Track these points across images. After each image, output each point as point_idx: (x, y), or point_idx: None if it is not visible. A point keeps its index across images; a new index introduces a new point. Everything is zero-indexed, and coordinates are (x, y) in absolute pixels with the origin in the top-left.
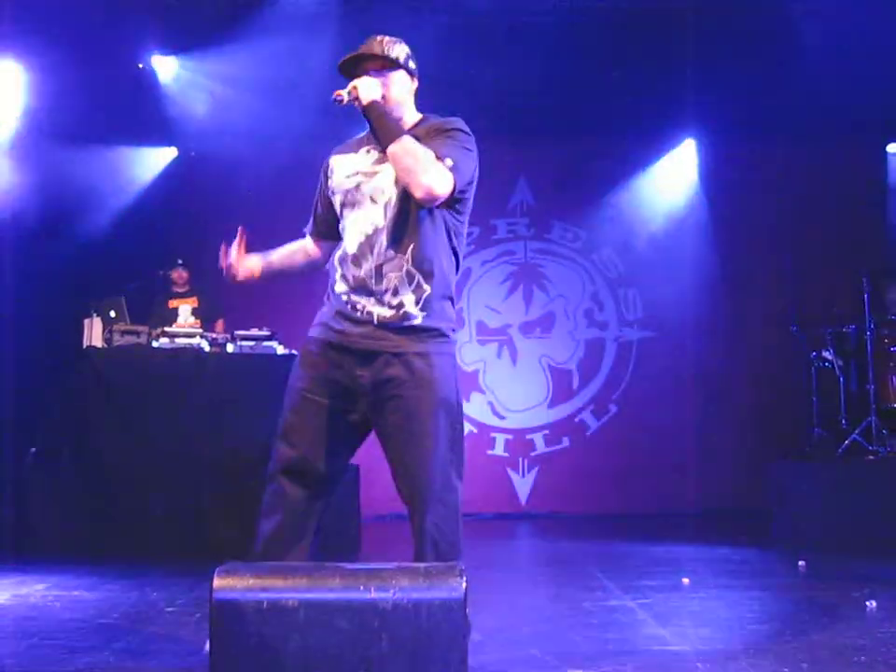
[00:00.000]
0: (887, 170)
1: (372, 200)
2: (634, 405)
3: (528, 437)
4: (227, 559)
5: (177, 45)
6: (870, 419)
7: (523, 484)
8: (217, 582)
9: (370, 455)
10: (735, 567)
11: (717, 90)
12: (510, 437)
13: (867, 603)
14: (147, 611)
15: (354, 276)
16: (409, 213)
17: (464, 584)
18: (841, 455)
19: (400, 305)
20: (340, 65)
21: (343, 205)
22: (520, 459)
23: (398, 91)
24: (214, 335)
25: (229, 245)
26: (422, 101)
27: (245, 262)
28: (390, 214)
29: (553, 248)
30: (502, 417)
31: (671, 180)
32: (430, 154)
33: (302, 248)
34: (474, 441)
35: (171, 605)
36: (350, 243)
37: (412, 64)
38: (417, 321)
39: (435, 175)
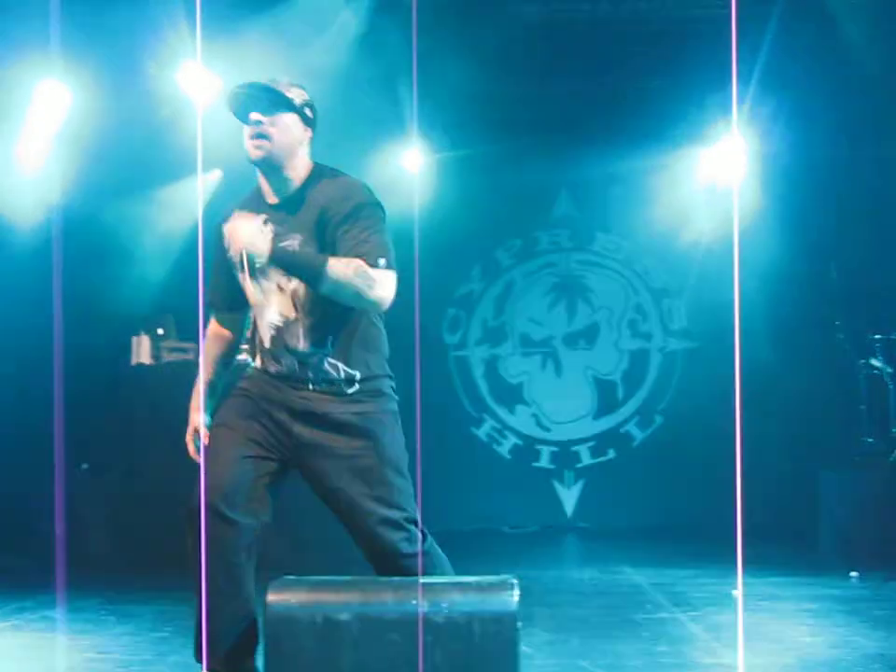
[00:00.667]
0: None
1: (279, 287)
2: (680, 416)
3: (573, 449)
4: (278, 574)
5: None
6: None
7: (568, 496)
8: (270, 597)
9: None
10: (786, 579)
11: (764, 91)
12: (555, 449)
13: None
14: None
15: (276, 369)
16: (321, 302)
17: (516, 597)
18: (892, 463)
19: (332, 385)
20: (228, 100)
21: (245, 287)
22: (565, 471)
23: (285, 136)
24: None
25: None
26: (462, 116)
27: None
28: (301, 306)
29: (595, 259)
30: (547, 429)
31: (714, 188)
32: (360, 268)
33: (222, 343)
34: (519, 453)
35: None
36: (263, 334)
37: (308, 112)
38: (355, 389)
39: (379, 290)
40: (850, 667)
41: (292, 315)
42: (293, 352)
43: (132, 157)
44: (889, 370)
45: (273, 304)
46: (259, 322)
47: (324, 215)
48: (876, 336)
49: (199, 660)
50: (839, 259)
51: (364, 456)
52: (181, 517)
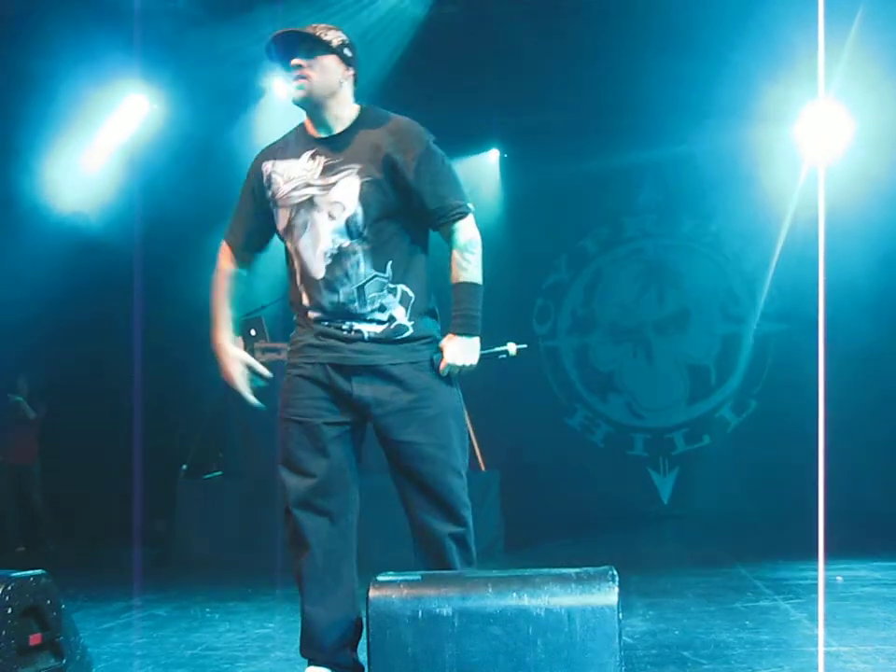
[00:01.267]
0: None
1: (330, 216)
2: (775, 399)
3: (668, 435)
4: (377, 570)
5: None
6: None
7: (664, 484)
8: (372, 593)
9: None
10: (891, 564)
11: (859, 63)
12: (648, 436)
13: None
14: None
15: (331, 302)
16: (379, 228)
17: (616, 588)
18: None
19: (391, 319)
20: (267, 48)
21: (291, 222)
22: (660, 458)
23: (326, 76)
24: None
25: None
26: (544, 106)
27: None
28: (358, 232)
29: (683, 243)
30: (640, 417)
31: (803, 167)
32: (470, 244)
33: (234, 281)
34: (613, 441)
35: None
36: (314, 266)
37: (347, 52)
38: (409, 333)
39: (476, 236)
40: None
41: (347, 241)
42: (353, 277)
43: (214, 159)
44: None
45: (327, 233)
46: (308, 256)
47: (386, 150)
48: None
49: (304, 655)
50: None
51: (425, 407)
52: (280, 515)
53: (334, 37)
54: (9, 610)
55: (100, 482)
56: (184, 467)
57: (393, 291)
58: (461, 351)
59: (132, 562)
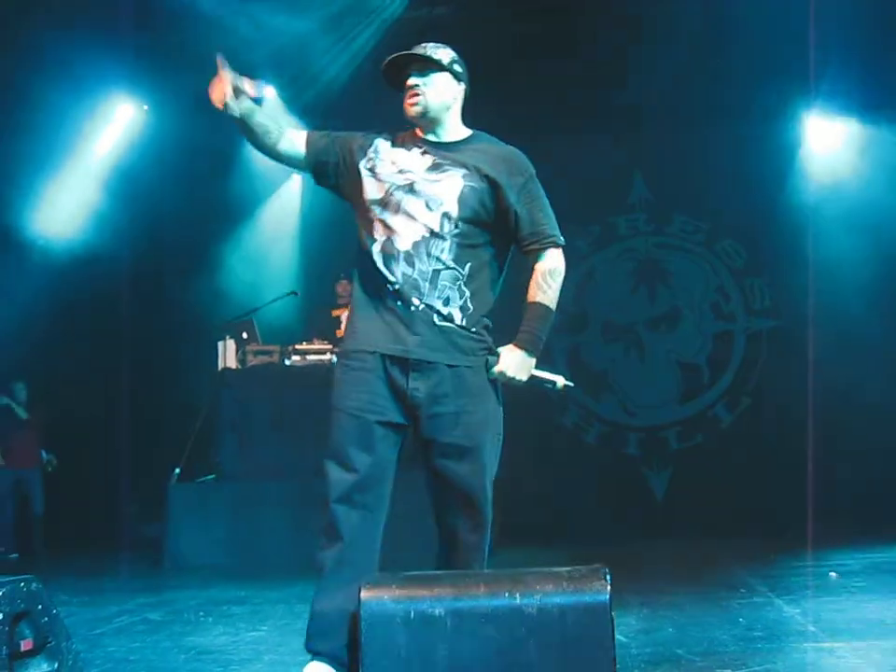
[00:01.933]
0: None
1: (428, 206)
2: (768, 396)
3: (661, 434)
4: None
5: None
6: None
7: (658, 482)
8: (364, 594)
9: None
10: (884, 561)
11: (844, 65)
12: (642, 435)
13: None
14: (293, 623)
15: (404, 273)
16: (468, 232)
17: (609, 587)
18: None
19: (450, 316)
20: (382, 70)
21: (387, 195)
22: (654, 457)
23: (440, 93)
24: None
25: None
26: (533, 105)
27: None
28: (450, 227)
29: (674, 242)
30: (633, 415)
31: (794, 165)
32: (553, 272)
33: (279, 128)
34: (606, 440)
35: None
36: (400, 239)
37: (457, 68)
38: (467, 334)
39: (562, 267)
40: None
41: (437, 229)
42: (433, 260)
43: (214, 169)
44: None
45: (421, 218)
46: (399, 229)
47: (494, 167)
48: None
49: (310, 648)
50: None
51: (473, 412)
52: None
53: (444, 55)
54: (0, 616)
55: (92, 486)
56: (176, 471)
57: (462, 292)
58: (517, 364)
59: (124, 566)
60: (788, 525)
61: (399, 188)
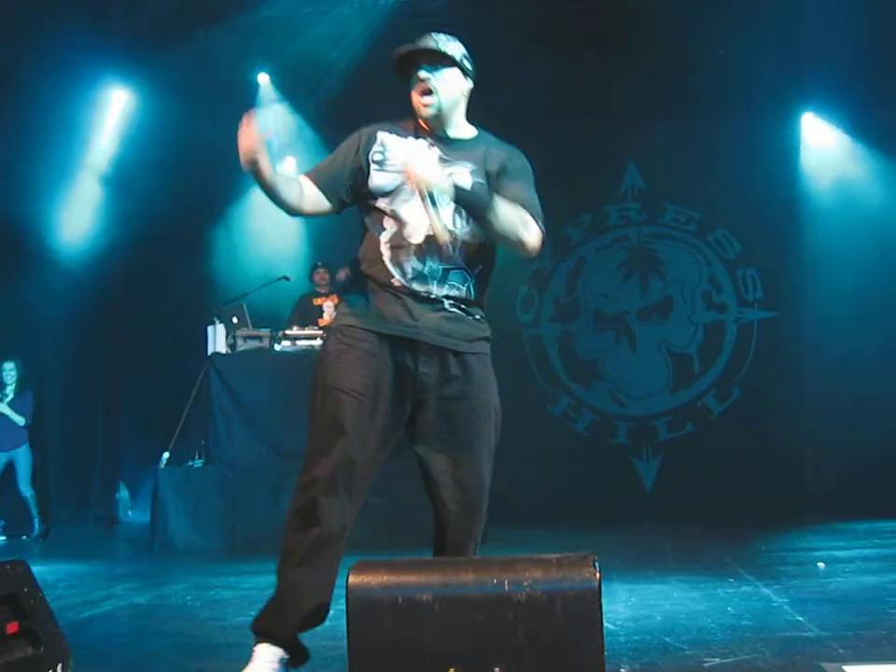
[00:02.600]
0: None
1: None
2: (758, 387)
3: (651, 423)
4: (359, 556)
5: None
6: None
7: (647, 471)
8: (352, 579)
9: None
10: (873, 551)
11: (837, 59)
12: (631, 424)
13: None
14: None
15: (414, 269)
16: (477, 234)
17: (598, 574)
18: None
19: (456, 310)
20: (393, 62)
21: (399, 186)
22: (643, 446)
23: (450, 91)
24: None
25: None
26: (527, 94)
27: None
28: (462, 223)
29: (666, 232)
30: (623, 405)
31: (787, 155)
32: (521, 214)
33: (299, 185)
34: (596, 429)
35: None
36: (412, 232)
37: (467, 64)
38: (471, 319)
39: (532, 236)
40: None
41: (449, 225)
42: (444, 256)
43: (203, 155)
44: None
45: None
46: (410, 220)
47: (496, 161)
48: None
49: (260, 628)
50: None
51: (476, 399)
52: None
53: (456, 50)
54: None
55: (81, 470)
56: (165, 455)
57: (468, 288)
58: (436, 171)
59: (112, 550)
60: (777, 515)
61: (407, 181)
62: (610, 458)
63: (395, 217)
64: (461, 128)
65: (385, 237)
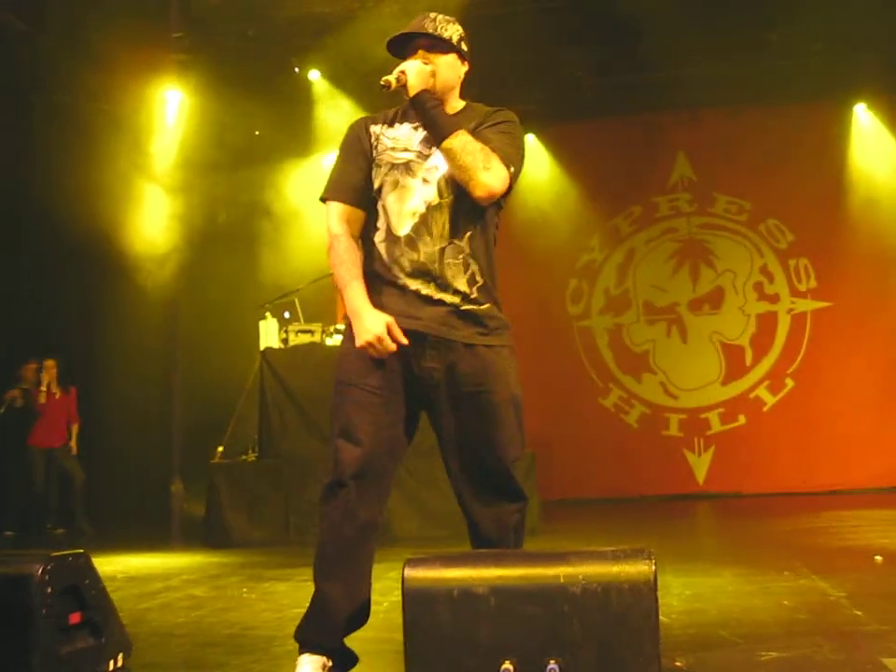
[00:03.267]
0: None
1: (424, 180)
2: (812, 378)
3: (703, 416)
4: (407, 548)
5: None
6: None
7: (699, 464)
8: (407, 572)
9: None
10: None
11: (890, 49)
12: (683, 416)
13: None
14: None
15: (411, 260)
16: (466, 198)
17: (653, 567)
18: None
19: (464, 294)
20: (389, 43)
21: (383, 179)
22: (695, 438)
23: (447, 74)
24: None
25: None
26: (576, 86)
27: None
28: (448, 195)
29: (717, 222)
30: (675, 397)
31: (839, 144)
32: (486, 150)
33: (355, 244)
34: (647, 422)
35: None
36: (398, 223)
37: (464, 47)
38: (482, 310)
39: (494, 174)
40: None
41: (436, 200)
42: (435, 238)
43: (255, 152)
44: None
45: (418, 193)
46: (395, 211)
47: (475, 119)
48: None
49: (305, 637)
50: None
51: (492, 392)
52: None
53: (454, 33)
54: (49, 590)
55: (139, 464)
56: (219, 449)
57: (467, 265)
58: (418, 73)
59: (169, 543)
60: (830, 508)
61: (393, 167)
62: (662, 451)
63: (384, 212)
64: (451, 107)
65: (379, 236)
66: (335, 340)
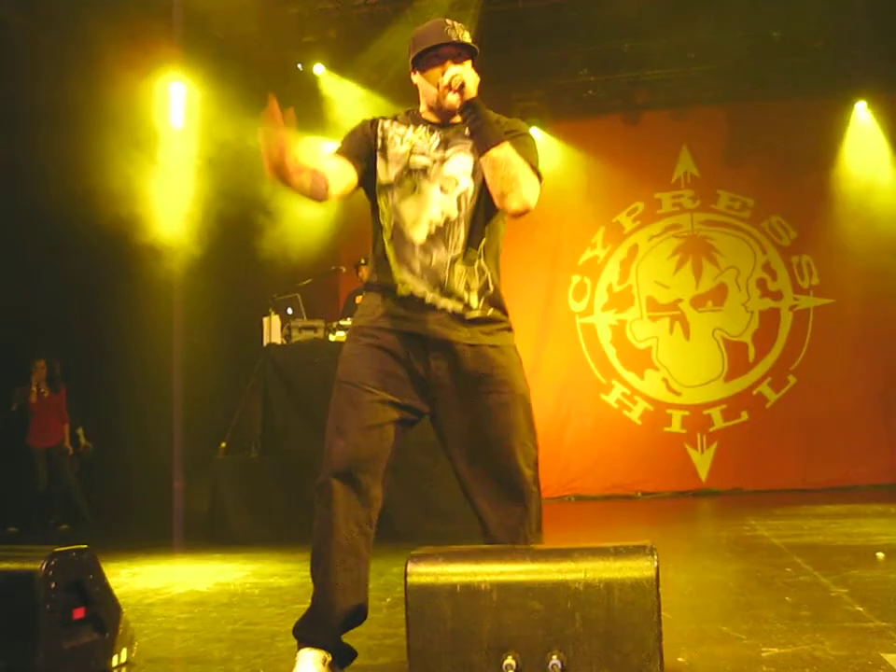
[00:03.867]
0: None
1: (442, 189)
2: (814, 375)
3: (705, 412)
4: (410, 542)
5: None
6: None
7: (702, 460)
8: (410, 567)
9: (545, 438)
10: None
11: (892, 46)
12: (686, 413)
13: None
14: None
15: (422, 265)
16: (484, 209)
17: (655, 563)
18: None
19: (468, 302)
20: (416, 50)
21: (398, 179)
22: (698, 435)
23: (474, 84)
24: None
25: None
26: (577, 82)
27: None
28: (467, 207)
29: (720, 219)
30: (678, 393)
31: (843, 142)
32: (527, 166)
33: (323, 175)
34: (650, 418)
35: None
36: (415, 229)
37: (477, 51)
38: (488, 314)
39: (533, 190)
40: None
41: (455, 214)
42: (450, 247)
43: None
44: None
45: (436, 204)
46: (410, 217)
47: None
48: None
49: (302, 634)
50: None
51: (499, 392)
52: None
53: (471, 38)
54: (53, 585)
55: (141, 460)
56: (222, 445)
57: (480, 272)
58: (474, 80)
59: (172, 539)
60: (832, 504)
61: (411, 170)
62: (665, 447)
63: (396, 213)
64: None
65: (388, 237)
66: (338, 336)
